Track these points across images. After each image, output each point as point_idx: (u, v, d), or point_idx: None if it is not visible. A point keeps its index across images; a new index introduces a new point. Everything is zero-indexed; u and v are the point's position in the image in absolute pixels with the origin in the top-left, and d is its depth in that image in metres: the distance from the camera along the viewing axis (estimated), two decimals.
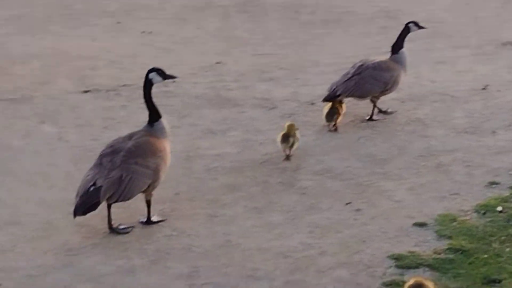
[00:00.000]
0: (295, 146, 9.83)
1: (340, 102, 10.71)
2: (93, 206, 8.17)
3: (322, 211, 8.73)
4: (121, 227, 8.43)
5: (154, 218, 8.58)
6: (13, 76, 12.65)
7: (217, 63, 13.20)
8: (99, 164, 8.44)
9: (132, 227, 8.44)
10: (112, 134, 10.26)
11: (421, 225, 8.42)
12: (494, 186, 9.20)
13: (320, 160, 9.87)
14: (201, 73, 12.75)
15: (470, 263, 7.74)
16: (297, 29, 15.11)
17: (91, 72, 12.81)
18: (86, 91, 12.03)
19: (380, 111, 11.17)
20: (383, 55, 11.33)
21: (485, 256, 7.83)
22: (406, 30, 11.18)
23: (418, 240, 8.17)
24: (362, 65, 10.96)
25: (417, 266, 7.72)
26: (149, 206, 8.55)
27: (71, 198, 8.82)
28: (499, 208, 8.67)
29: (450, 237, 8.17)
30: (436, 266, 7.72)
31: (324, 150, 10.13)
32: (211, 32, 15.00)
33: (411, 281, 7.07)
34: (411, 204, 8.84)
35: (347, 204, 8.87)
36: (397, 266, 7.74)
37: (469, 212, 8.66)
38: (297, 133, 9.86)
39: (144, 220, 8.56)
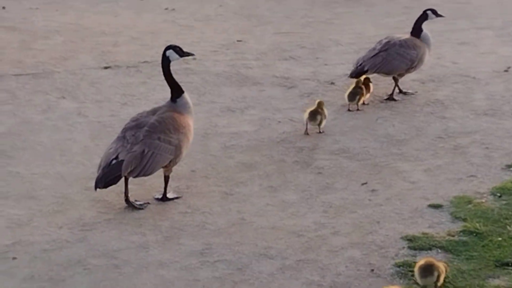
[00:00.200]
0: (322, 124, 9.88)
1: (368, 81, 10.69)
2: (114, 179, 8.22)
3: (337, 191, 8.73)
4: (138, 202, 8.47)
5: (169, 195, 8.61)
6: (35, 51, 12.71)
7: (238, 41, 13.19)
8: (122, 137, 8.48)
9: (147, 203, 8.48)
10: (131, 111, 10.32)
11: (436, 206, 8.39)
12: (511, 169, 9.13)
13: (337, 140, 9.85)
14: (222, 51, 12.74)
15: (483, 246, 7.71)
16: (318, 8, 15.05)
17: (112, 48, 12.85)
18: (106, 67, 12.07)
19: (400, 91, 11.12)
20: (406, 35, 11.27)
21: (499, 239, 7.79)
22: (423, 17, 11.14)
23: (432, 221, 8.15)
24: (388, 41, 10.92)
25: (430, 248, 7.70)
26: (167, 182, 8.58)
27: (88, 173, 8.92)
28: None
29: (464, 219, 8.13)
30: (449, 248, 7.69)
31: (341, 130, 10.11)
32: (233, 10, 14.98)
33: (421, 262, 7.08)
34: (426, 186, 8.81)
35: (362, 184, 8.85)
36: (410, 248, 7.72)
37: (485, 195, 8.61)
38: (325, 110, 9.89)
39: (160, 196, 8.60)
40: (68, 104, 10.90)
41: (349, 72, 10.84)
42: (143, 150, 8.32)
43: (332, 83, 11.43)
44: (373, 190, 8.73)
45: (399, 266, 7.45)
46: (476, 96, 11.09)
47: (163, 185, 8.59)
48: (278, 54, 12.62)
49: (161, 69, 8.81)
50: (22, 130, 10.16)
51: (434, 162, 9.30)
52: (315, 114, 9.87)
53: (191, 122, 8.73)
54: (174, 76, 8.78)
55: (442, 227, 8.05)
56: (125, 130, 8.57)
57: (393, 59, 10.76)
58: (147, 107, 9.41)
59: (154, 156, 8.36)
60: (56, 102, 10.96)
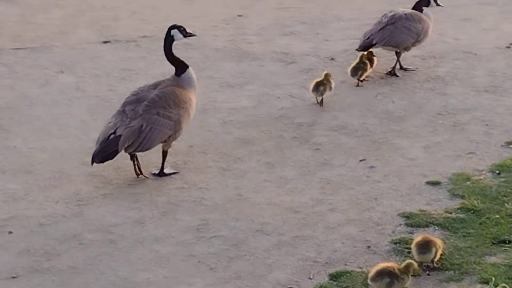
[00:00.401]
0: (325, 94, 9.91)
1: (372, 55, 10.63)
2: (111, 154, 8.20)
3: (335, 168, 8.69)
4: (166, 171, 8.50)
5: (166, 170, 8.59)
6: (35, 25, 12.64)
7: (239, 16, 13.09)
8: (122, 111, 8.45)
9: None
10: (130, 85, 10.27)
11: (434, 183, 8.36)
12: (511, 146, 9.09)
13: (336, 116, 9.80)
14: (222, 26, 12.66)
15: (481, 223, 7.68)
16: None
17: (112, 22, 12.77)
18: (105, 42, 12.00)
19: (401, 67, 11.05)
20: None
21: (497, 216, 7.76)
22: (424, 2, 11.06)
23: (430, 198, 8.12)
24: (394, 15, 10.86)
25: (427, 225, 7.68)
26: (165, 157, 8.55)
27: (85, 148, 8.89)
28: None
29: (462, 197, 8.10)
30: (446, 225, 7.67)
31: (340, 106, 10.05)
32: None
33: (418, 238, 7.07)
34: (425, 163, 8.76)
35: (361, 161, 8.82)
36: (407, 224, 7.70)
37: (483, 172, 8.57)
38: (332, 82, 9.91)
39: (157, 172, 8.57)
40: (67, 78, 10.85)
41: (357, 46, 10.75)
42: (141, 125, 8.29)
43: (332, 59, 11.35)
44: (371, 167, 8.69)
45: (395, 243, 7.44)
46: (477, 72, 11.01)
47: (160, 160, 8.56)
48: (278, 29, 12.53)
49: (160, 44, 8.75)
50: (19, 104, 10.12)
51: (433, 138, 9.26)
52: (319, 85, 9.87)
53: (194, 97, 8.69)
54: (174, 51, 8.73)
55: (440, 204, 8.02)
56: (125, 104, 8.54)
57: (400, 32, 10.73)
58: (146, 82, 9.35)
59: (152, 132, 8.32)
60: (54, 76, 10.91)
